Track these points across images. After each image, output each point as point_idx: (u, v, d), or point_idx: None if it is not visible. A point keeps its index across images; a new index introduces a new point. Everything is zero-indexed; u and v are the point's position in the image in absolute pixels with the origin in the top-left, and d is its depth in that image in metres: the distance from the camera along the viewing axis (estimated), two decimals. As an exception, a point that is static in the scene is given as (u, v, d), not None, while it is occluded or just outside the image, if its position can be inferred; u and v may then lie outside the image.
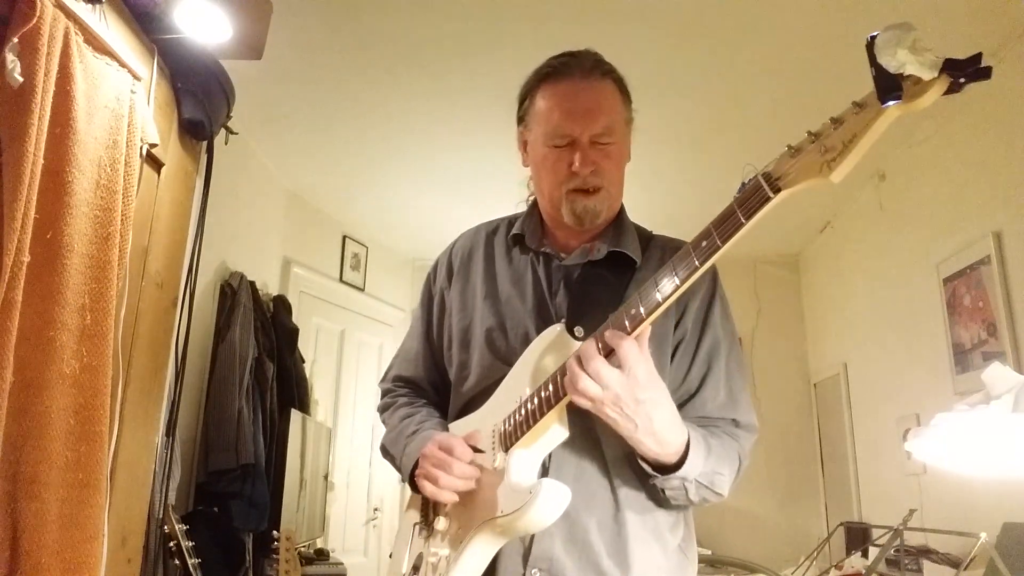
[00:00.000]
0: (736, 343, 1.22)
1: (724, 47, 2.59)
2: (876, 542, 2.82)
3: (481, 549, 1.07)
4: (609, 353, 0.95)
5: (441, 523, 1.14)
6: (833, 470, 4.20)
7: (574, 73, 1.18)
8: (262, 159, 3.57)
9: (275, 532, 2.48)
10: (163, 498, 2.00)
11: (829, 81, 2.63)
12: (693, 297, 1.19)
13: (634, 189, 1.32)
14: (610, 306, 1.00)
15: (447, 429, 1.23)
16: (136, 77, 1.51)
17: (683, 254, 0.91)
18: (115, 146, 1.41)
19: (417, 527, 1.21)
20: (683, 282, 0.91)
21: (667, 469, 1.03)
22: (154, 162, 1.65)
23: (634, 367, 0.94)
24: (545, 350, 1.10)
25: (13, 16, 1.14)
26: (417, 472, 1.15)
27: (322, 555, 3.33)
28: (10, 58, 1.13)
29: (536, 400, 1.04)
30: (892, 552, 2.39)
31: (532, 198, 1.33)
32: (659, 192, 3.70)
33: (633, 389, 0.94)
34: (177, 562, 1.95)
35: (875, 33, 0.73)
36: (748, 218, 0.84)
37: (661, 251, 1.23)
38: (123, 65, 1.47)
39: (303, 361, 3.60)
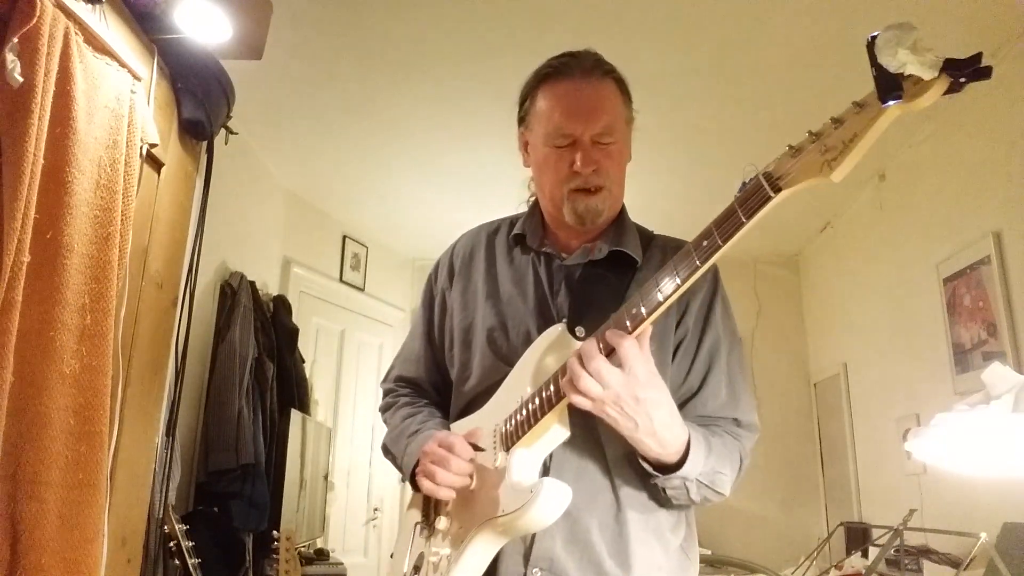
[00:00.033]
0: (737, 342, 1.22)
1: (724, 48, 2.59)
2: (876, 542, 2.82)
3: (482, 548, 1.07)
4: (610, 352, 0.95)
5: (442, 522, 1.14)
6: (833, 470, 4.20)
7: (574, 73, 1.18)
8: (262, 159, 3.57)
9: (275, 532, 2.48)
10: (163, 498, 2.00)
11: (829, 81, 2.63)
12: (694, 296, 1.19)
13: (634, 189, 1.32)
14: (611, 306, 1.00)
15: (449, 429, 1.23)
16: (136, 77, 1.51)
17: (684, 254, 0.91)
18: (115, 146, 1.41)
19: (418, 526, 1.21)
20: (684, 281, 0.91)
21: (668, 469, 1.03)
22: (154, 162, 1.65)
23: (635, 366, 0.94)
24: (546, 350, 1.10)
25: (13, 16, 1.14)
26: (417, 469, 1.15)
27: (322, 555, 3.33)
28: (10, 58, 1.13)
29: (537, 400, 1.04)
30: (892, 552, 2.39)
31: (533, 198, 1.33)
32: (659, 192, 3.70)
33: (633, 388, 0.94)
34: (177, 562, 1.95)
35: (876, 33, 0.73)
36: (749, 217, 0.84)
37: (662, 251, 1.23)
38: (123, 65, 1.46)
39: (303, 361, 3.60)
